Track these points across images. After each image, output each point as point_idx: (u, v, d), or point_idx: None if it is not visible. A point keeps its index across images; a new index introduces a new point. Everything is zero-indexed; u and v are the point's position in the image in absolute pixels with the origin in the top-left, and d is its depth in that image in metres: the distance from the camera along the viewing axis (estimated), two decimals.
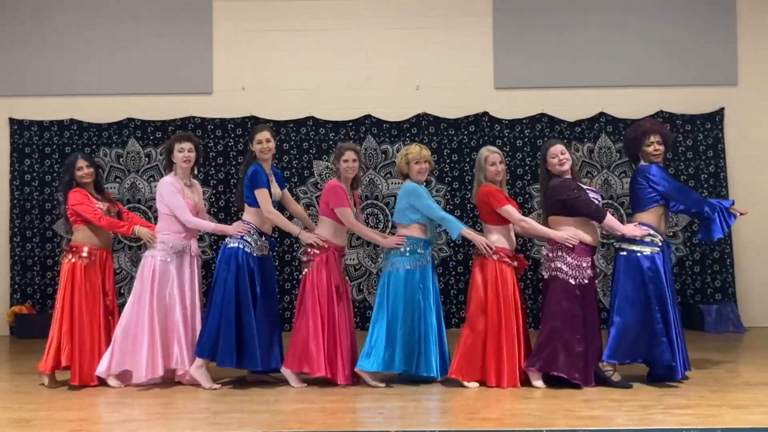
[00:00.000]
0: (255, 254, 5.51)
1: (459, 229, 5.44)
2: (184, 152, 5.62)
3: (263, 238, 5.59)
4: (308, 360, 5.39)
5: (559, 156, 5.49)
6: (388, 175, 8.51)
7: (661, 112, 8.54)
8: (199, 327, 5.58)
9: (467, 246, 8.28)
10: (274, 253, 5.78)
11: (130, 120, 8.57)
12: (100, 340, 5.56)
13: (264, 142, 5.54)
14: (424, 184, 5.72)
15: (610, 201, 8.44)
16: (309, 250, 5.57)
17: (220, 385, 5.46)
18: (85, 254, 5.61)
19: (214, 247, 8.40)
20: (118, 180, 8.48)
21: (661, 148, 5.59)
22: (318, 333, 5.39)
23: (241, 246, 5.47)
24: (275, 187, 5.63)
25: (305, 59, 8.65)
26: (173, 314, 5.52)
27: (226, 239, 5.59)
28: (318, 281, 5.47)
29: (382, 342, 5.40)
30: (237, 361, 5.41)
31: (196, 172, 5.90)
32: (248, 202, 5.56)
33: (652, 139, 5.57)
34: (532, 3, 8.69)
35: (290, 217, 6.13)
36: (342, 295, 5.59)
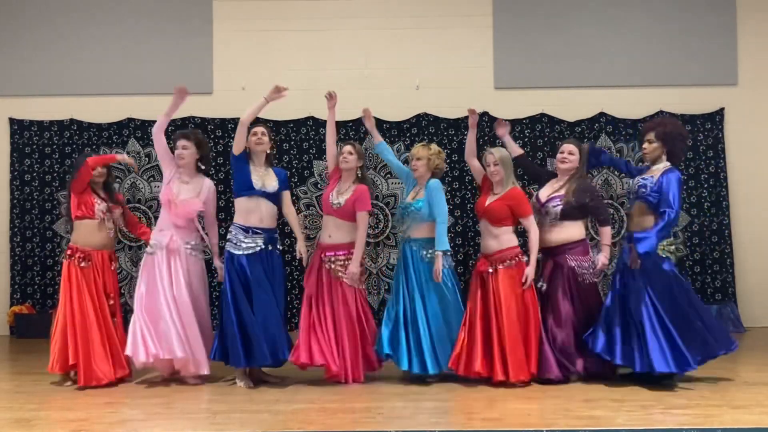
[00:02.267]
0: (244, 254, 5.53)
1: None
2: (178, 149, 5.76)
3: (250, 234, 5.59)
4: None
5: (564, 154, 5.65)
6: (388, 175, 8.51)
7: (661, 112, 8.53)
8: (189, 323, 5.64)
9: (467, 246, 8.30)
10: (279, 247, 5.76)
11: (130, 120, 8.57)
12: (102, 341, 5.56)
13: (259, 135, 5.77)
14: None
15: (610, 201, 8.44)
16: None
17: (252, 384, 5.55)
18: (84, 261, 5.62)
19: None
20: (118, 180, 8.47)
21: (649, 146, 5.58)
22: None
23: (228, 248, 5.62)
24: (269, 181, 5.71)
25: (305, 59, 8.65)
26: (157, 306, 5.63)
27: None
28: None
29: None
30: (246, 360, 5.46)
31: (202, 167, 5.94)
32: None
33: (643, 138, 5.67)
34: (532, 3, 8.69)
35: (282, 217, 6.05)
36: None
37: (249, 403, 5.02)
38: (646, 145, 5.61)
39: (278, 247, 5.75)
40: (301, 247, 5.73)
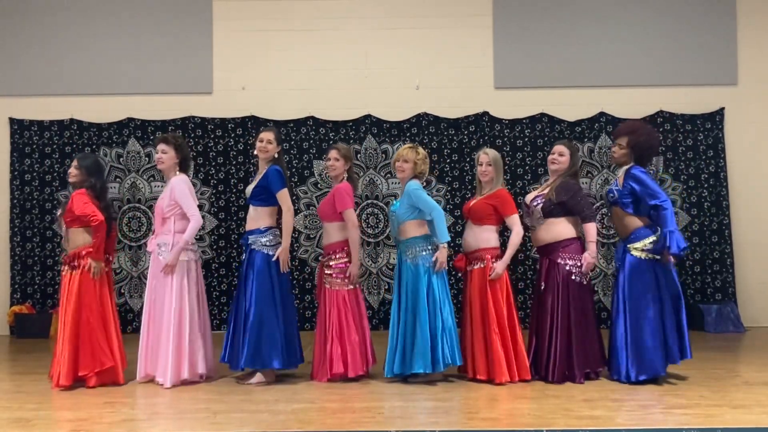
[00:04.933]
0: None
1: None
2: (157, 154, 5.79)
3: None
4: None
5: (555, 155, 5.77)
6: (388, 175, 8.51)
7: (661, 112, 8.54)
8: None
9: None
10: (246, 249, 5.77)
11: (130, 120, 8.57)
12: (110, 342, 5.58)
13: (265, 142, 5.71)
14: (424, 183, 5.84)
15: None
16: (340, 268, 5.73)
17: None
18: (96, 266, 5.56)
19: (214, 246, 8.41)
20: (118, 180, 8.48)
21: (619, 151, 5.64)
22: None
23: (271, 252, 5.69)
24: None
25: (305, 59, 8.66)
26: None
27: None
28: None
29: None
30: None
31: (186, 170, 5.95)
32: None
33: (615, 141, 5.73)
34: (532, 3, 8.69)
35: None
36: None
37: (249, 403, 5.02)
38: (616, 149, 5.67)
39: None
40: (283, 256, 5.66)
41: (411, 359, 5.45)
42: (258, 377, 5.58)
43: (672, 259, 5.46)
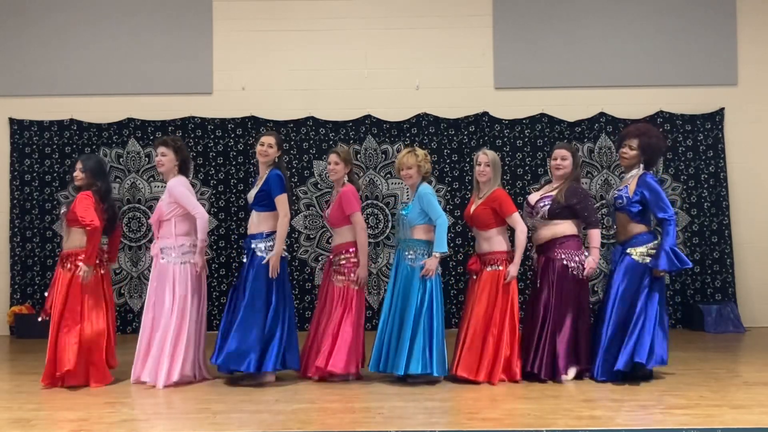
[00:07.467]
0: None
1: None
2: (157, 156, 5.79)
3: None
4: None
5: (557, 160, 5.74)
6: (388, 175, 8.50)
7: (661, 112, 8.54)
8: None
9: (467, 246, 8.29)
10: (249, 253, 5.72)
11: (130, 120, 8.57)
12: (108, 341, 5.59)
13: (266, 146, 5.70)
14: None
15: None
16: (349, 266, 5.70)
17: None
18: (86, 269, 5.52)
19: (214, 247, 8.40)
20: (118, 180, 8.47)
21: (630, 152, 5.63)
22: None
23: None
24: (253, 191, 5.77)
25: (305, 59, 8.65)
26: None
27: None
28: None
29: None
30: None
31: (187, 173, 5.95)
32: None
33: (624, 142, 5.69)
34: (532, 3, 8.69)
35: None
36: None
37: (249, 403, 5.02)
38: (626, 150, 5.66)
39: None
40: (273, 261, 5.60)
41: (394, 359, 5.46)
42: (264, 376, 5.59)
43: (663, 274, 5.53)
